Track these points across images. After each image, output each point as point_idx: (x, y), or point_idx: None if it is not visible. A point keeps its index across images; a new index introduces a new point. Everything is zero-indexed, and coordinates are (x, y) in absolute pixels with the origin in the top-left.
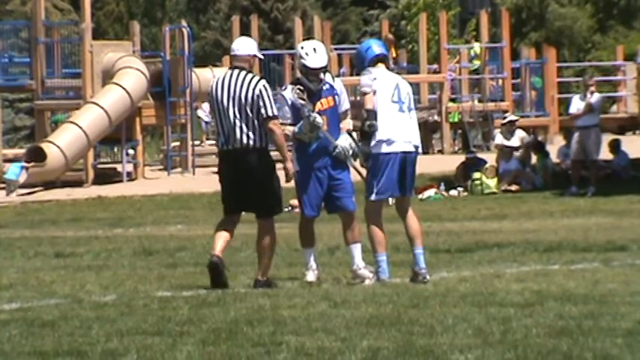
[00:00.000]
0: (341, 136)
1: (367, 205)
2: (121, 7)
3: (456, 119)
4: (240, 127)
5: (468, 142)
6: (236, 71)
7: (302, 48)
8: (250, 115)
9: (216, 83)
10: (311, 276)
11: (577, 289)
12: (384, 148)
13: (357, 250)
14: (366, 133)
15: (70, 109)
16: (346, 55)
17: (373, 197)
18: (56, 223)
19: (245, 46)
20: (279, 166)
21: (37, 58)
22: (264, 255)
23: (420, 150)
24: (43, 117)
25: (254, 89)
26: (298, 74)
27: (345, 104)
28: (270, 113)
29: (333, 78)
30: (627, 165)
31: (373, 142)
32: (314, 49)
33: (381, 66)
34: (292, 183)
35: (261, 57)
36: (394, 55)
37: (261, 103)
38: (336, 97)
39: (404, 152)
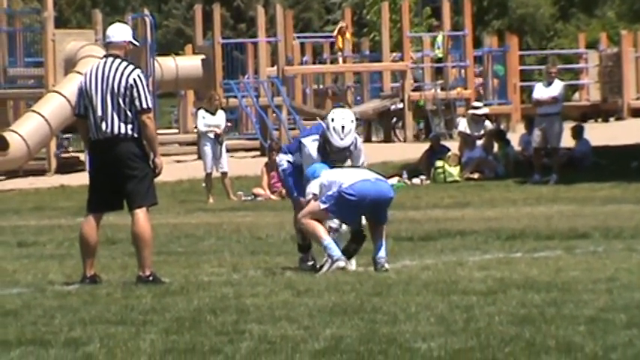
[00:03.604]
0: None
1: (310, 207)
2: None
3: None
4: (112, 117)
5: (430, 129)
6: (110, 59)
7: (332, 120)
8: (122, 105)
9: (90, 71)
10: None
11: (540, 276)
12: (350, 190)
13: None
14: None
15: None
16: (309, 44)
17: (324, 206)
18: (19, 212)
19: (119, 32)
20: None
21: None
22: (143, 248)
23: (392, 193)
24: (5, 106)
25: (127, 78)
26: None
27: (360, 158)
28: (144, 105)
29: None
30: (588, 152)
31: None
32: (342, 128)
33: None
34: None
35: (137, 44)
36: (350, 42)
37: (135, 94)
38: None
39: (377, 191)
